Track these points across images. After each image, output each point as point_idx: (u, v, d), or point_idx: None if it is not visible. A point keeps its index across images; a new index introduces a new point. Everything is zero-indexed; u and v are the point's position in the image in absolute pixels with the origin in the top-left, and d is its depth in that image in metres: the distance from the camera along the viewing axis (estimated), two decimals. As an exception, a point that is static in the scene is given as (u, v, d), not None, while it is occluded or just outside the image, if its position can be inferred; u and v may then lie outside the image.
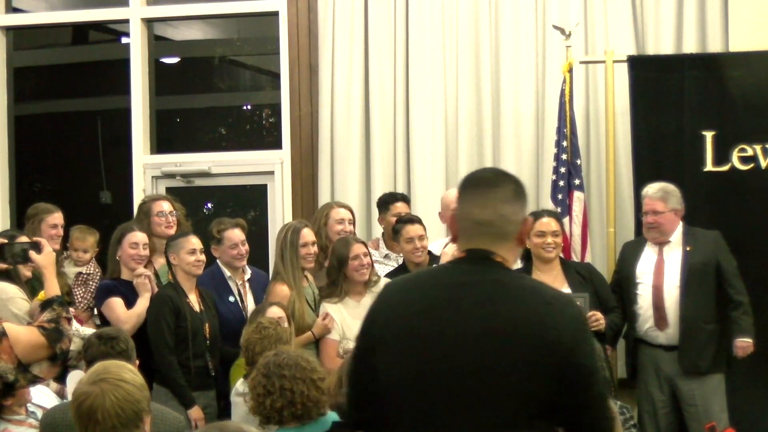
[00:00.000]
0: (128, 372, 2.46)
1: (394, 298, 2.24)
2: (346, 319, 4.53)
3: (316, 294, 4.65)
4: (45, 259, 3.75)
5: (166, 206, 4.97)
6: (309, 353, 3.52)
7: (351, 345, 4.48)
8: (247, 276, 4.88)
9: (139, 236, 4.66)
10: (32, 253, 3.76)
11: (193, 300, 4.50)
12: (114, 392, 2.37)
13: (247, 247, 4.82)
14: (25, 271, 4.19)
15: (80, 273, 5.00)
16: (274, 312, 4.14)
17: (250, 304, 4.76)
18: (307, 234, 4.63)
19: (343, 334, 4.51)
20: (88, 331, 4.20)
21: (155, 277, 4.75)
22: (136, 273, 4.50)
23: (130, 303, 4.51)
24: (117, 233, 4.69)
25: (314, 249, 4.64)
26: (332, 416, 3.10)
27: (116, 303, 4.48)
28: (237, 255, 4.77)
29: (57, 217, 4.93)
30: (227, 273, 4.81)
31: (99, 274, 5.03)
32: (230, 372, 4.38)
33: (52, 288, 3.64)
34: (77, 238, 5.06)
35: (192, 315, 4.41)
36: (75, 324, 4.19)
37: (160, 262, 4.83)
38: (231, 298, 4.76)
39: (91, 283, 4.96)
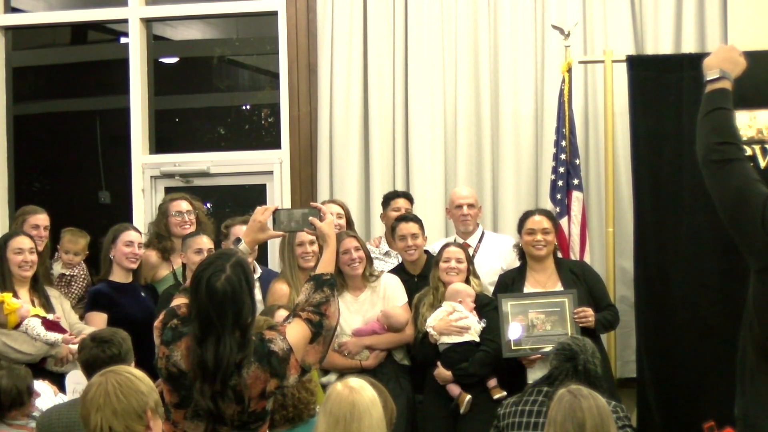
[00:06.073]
0: (138, 371, 2.54)
1: None
2: (343, 314, 4.54)
3: None
4: (328, 227, 3.16)
5: (184, 206, 4.95)
6: None
7: (345, 339, 4.51)
8: (257, 274, 4.88)
9: (133, 235, 4.67)
10: (314, 220, 3.16)
11: None
12: (117, 378, 2.44)
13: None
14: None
15: (63, 274, 4.94)
16: (282, 315, 4.11)
17: (258, 303, 4.76)
18: (303, 234, 4.63)
19: (340, 329, 4.53)
20: (52, 336, 4.19)
21: (173, 277, 4.74)
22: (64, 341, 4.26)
23: (118, 306, 4.51)
24: (110, 234, 4.69)
25: (312, 248, 4.62)
26: None
27: (97, 319, 4.48)
28: None
29: (40, 219, 4.85)
30: None
31: (84, 276, 5.00)
32: None
33: (329, 262, 3.08)
34: (69, 241, 4.98)
35: None
36: (38, 328, 4.17)
37: (177, 262, 4.82)
38: None
39: (74, 284, 4.91)
